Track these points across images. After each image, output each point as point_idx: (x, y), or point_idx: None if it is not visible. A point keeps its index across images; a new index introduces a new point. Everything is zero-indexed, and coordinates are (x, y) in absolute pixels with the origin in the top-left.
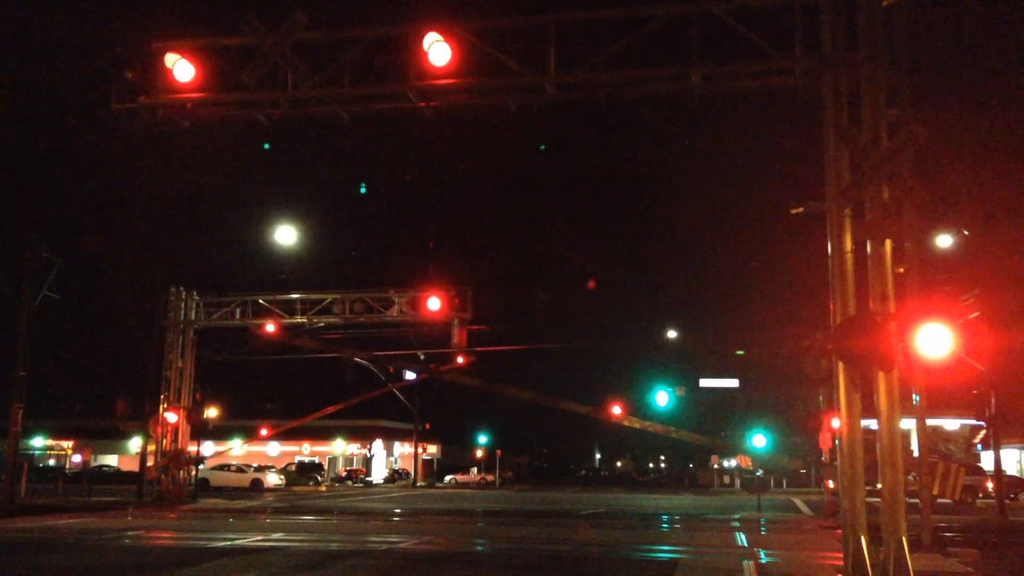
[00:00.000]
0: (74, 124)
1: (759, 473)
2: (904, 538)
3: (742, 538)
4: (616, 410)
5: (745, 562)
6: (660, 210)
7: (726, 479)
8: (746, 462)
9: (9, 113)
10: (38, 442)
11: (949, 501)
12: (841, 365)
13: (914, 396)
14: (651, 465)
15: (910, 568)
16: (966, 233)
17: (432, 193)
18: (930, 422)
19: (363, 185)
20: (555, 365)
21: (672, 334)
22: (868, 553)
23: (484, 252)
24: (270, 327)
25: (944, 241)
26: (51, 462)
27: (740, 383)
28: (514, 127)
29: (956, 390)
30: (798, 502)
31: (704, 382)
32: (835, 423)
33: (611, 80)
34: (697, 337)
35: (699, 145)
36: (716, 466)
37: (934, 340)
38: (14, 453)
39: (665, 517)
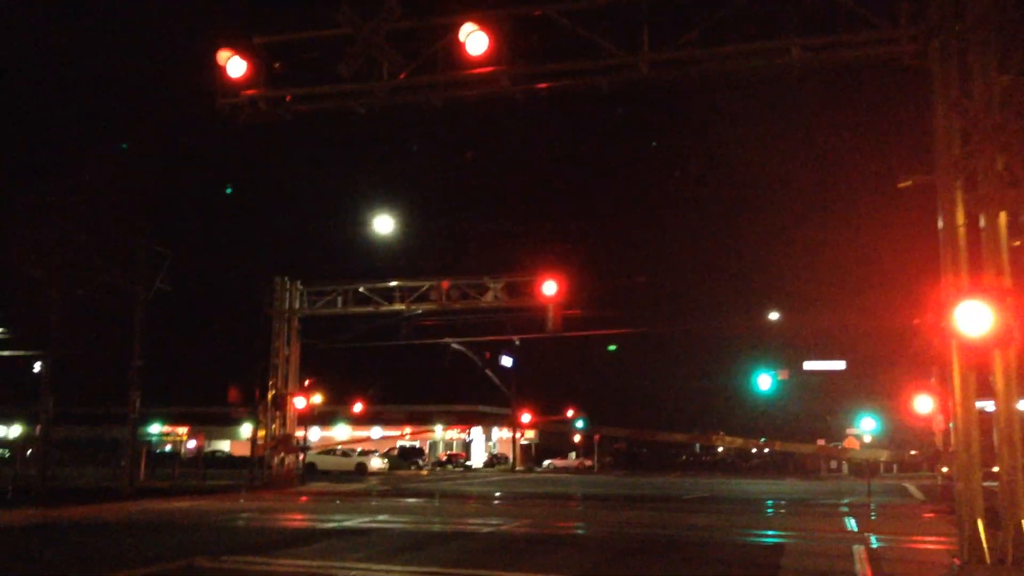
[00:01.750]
0: (181, 119)
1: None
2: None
3: (851, 523)
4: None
5: (855, 547)
6: (762, 190)
7: (833, 464)
8: (854, 445)
9: (117, 108)
10: (155, 429)
11: None
12: (954, 344)
13: None
14: (754, 450)
15: None
16: None
17: (527, 179)
18: None
19: (468, 157)
20: (656, 350)
21: (774, 316)
22: (985, 537)
23: (582, 238)
24: None
25: None
26: (167, 448)
27: (848, 364)
28: (605, 112)
29: None
30: (910, 487)
31: (808, 364)
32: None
33: (706, 56)
34: (801, 318)
35: (798, 120)
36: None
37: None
38: (133, 439)
39: (770, 502)
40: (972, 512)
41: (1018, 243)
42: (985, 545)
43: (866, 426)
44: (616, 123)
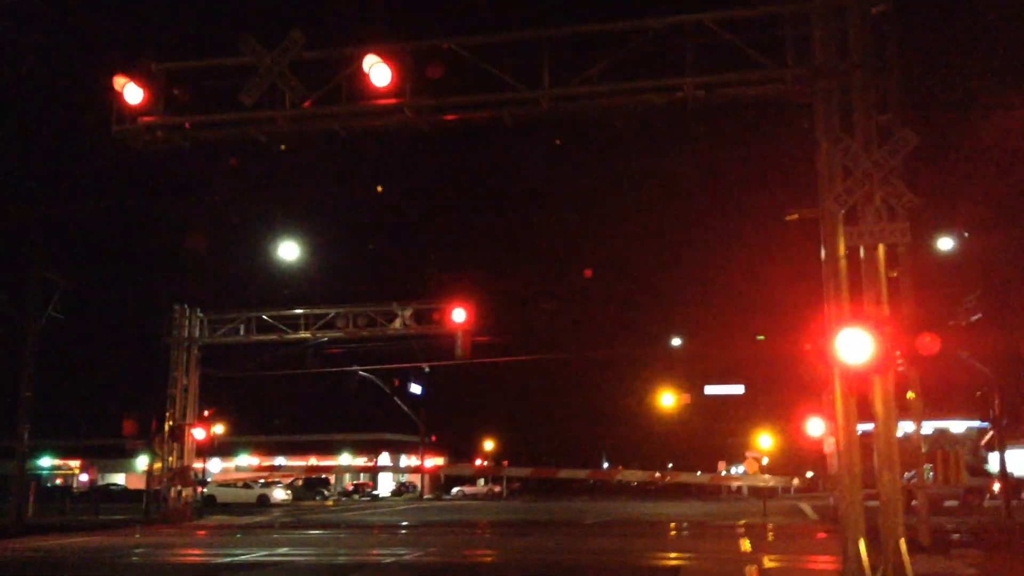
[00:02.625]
0: (75, 145)
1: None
2: (903, 540)
3: (747, 544)
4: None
5: (748, 567)
6: (665, 221)
7: (734, 486)
8: (754, 468)
9: (9, 135)
10: (45, 462)
11: (956, 503)
12: (836, 370)
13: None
14: (658, 474)
15: (909, 570)
16: (966, 235)
17: (432, 207)
18: (937, 424)
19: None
20: (564, 375)
21: (676, 341)
22: (868, 556)
23: (490, 266)
24: None
25: (944, 244)
26: (58, 481)
27: (746, 388)
28: (508, 140)
29: (961, 393)
30: (805, 507)
31: (709, 389)
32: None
33: (604, 92)
34: (702, 343)
35: (697, 154)
36: (723, 473)
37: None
38: (21, 472)
39: (672, 525)
40: (855, 532)
41: (895, 273)
42: (866, 563)
43: (763, 447)
44: (522, 153)
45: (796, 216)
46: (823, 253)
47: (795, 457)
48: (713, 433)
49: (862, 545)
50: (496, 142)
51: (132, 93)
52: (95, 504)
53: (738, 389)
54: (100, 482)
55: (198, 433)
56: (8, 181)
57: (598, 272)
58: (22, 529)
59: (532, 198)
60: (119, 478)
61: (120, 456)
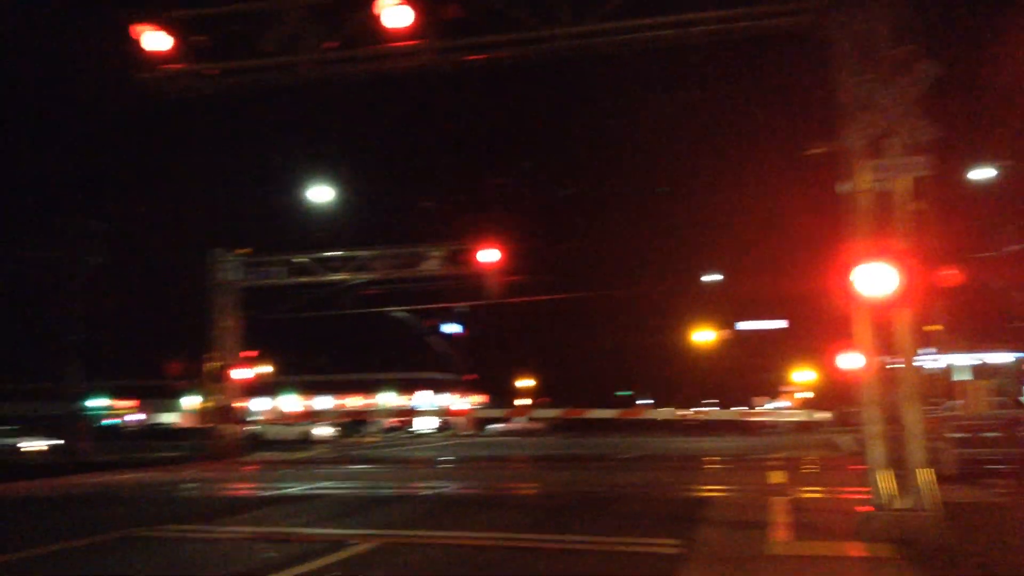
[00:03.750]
0: (109, 93)
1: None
2: (928, 469)
3: (779, 476)
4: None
5: (777, 498)
6: (692, 155)
7: (768, 421)
8: (795, 402)
9: (46, 81)
10: (98, 402)
11: (998, 435)
12: (858, 303)
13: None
14: (692, 409)
15: (935, 498)
16: (1003, 166)
17: (467, 147)
18: (977, 356)
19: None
20: (599, 313)
21: (713, 277)
22: (893, 485)
23: (522, 205)
24: None
25: (980, 175)
26: (113, 421)
27: (787, 323)
28: (535, 77)
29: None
30: (840, 440)
31: (744, 324)
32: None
33: (622, 28)
34: (739, 278)
35: (717, 89)
36: (760, 408)
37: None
38: (74, 412)
39: (705, 459)
40: (878, 462)
41: (917, 207)
42: (893, 492)
43: (800, 382)
44: (547, 91)
45: (817, 151)
46: (845, 188)
47: (830, 391)
48: (748, 369)
49: (886, 474)
50: (524, 80)
51: (152, 40)
52: (147, 442)
53: (776, 324)
54: (151, 421)
55: (241, 373)
56: (49, 132)
57: (631, 209)
58: (78, 467)
59: (565, 136)
60: (168, 417)
61: (169, 396)
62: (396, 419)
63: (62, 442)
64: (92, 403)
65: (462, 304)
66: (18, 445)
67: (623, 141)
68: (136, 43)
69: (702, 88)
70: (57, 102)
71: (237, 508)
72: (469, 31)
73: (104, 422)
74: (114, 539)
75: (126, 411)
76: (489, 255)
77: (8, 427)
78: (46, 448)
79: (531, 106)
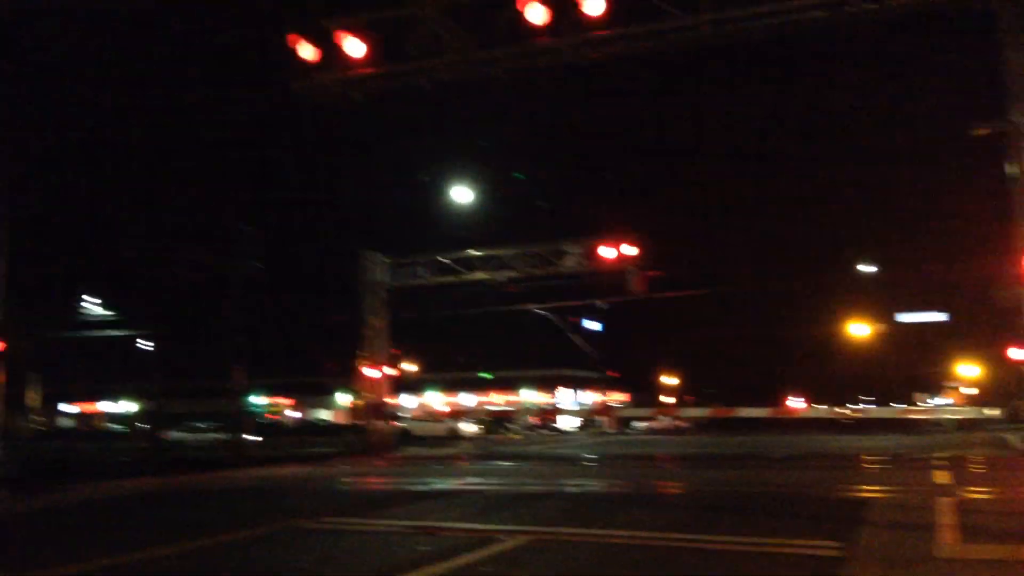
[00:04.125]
0: (261, 105)
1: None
2: None
3: (943, 476)
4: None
5: (943, 499)
6: (841, 142)
7: (930, 418)
8: (960, 399)
9: (205, 98)
10: (259, 400)
11: None
12: None
13: None
14: (850, 408)
15: None
16: None
17: (602, 143)
18: None
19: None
20: (743, 306)
21: (868, 268)
22: None
23: (663, 200)
24: None
25: None
26: (272, 418)
27: (949, 316)
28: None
29: None
30: (1011, 438)
31: (901, 316)
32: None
33: (767, 12)
34: (895, 269)
35: (871, 72)
36: (922, 404)
37: None
38: (238, 410)
39: (864, 458)
40: None
41: None
42: None
43: (966, 377)
44: (685, 84)
45: (984, 131)
46: (1012, 168)
47: (999, 386)
48: (907, 364)
49: None
50: (659, 78)
51: (305, 51)
52: (304, 438)
53: (939, 316)
54: (307, 417)
55: (389, 371)
56: (208, 146)
57: (781, 199)
58: (241, 461)
59: (705, 128)
60: (323, 414)
61: (323, 393)
62: (538, 417)
63: (228, 437)
64: (254, 401)
65: (602, 300)
66: (189, 440)
67: (770, 131)
68: (292, 52)
69: (857, 71)
70: (220, 116)
71: (390, 502)
72: (606, 25)
73: (265, 419)
74: (278, 529)
75: (284, 408)
76: (629, 250)
77: (183, 424)
78: (214, 442)
79: (669, 100)
